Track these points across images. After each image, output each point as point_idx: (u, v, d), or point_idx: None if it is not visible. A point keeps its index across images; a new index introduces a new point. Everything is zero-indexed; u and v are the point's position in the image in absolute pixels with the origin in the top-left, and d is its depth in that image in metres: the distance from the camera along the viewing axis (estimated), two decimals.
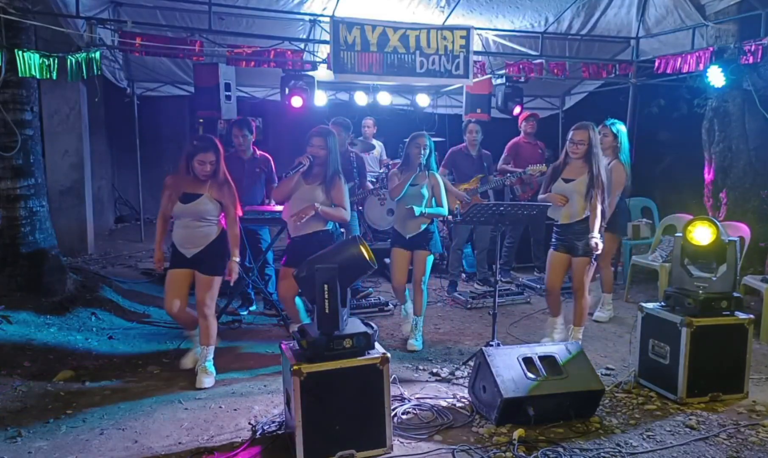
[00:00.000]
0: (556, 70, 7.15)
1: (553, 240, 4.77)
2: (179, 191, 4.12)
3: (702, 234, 3.94)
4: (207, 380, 4.10)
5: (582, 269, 4.61)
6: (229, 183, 4.19)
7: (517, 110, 7.29)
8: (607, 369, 4.45)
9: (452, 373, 4.31)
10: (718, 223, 3.96)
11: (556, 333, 4.86)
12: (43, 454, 3.21)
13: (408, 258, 4.97)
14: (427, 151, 4.87)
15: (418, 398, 3.87)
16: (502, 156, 7.22)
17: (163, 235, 4.30)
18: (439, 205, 4.92)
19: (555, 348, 3.77)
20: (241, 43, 6.14)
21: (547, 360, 3.64)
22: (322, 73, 6.58)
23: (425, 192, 4.84)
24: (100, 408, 3.75)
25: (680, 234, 4.04)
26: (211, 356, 4.22)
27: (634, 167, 5.84)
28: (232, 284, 4.33)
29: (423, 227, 4.86)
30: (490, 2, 6.48)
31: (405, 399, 3.84)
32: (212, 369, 4.20)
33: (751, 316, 3.96)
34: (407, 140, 5.01)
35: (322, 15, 6.20)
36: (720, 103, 7.11)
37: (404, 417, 3.61)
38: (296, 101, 6.27)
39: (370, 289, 6.45)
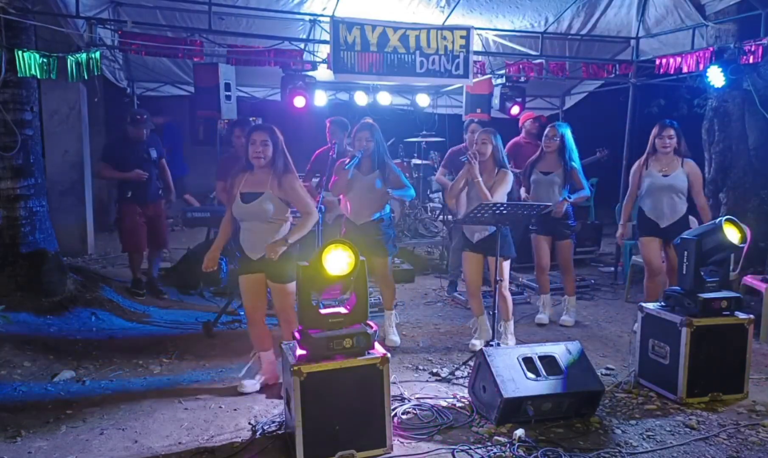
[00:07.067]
0: (556, 70, 7.15)
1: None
2: (236, 188, 3.85)
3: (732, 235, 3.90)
4: None
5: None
6: (287, 173, 3.83)
7: (515, 110, 7.27)
8: (607, 369, 4.45)
9: (452, 373, 4.31)
10: (744, 227, 3.97)
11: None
12: (43, 454, 3.21)
13: (479, 262, 4.71)
14: (488, 148, 4.61)
15: (418, 398, 3.87)
16: None
17: (224, 236, 4.03)
18: None
19: (555, 348, 3.76)
20: (241, 43, 6.15)
21: (547, 360, 3.64)
22: (322, 73, 6.58)
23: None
24: (100, 408, 3.75)
25: (691, 238, 3.98)
26: None
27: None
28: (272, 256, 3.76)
29: (491, 229, 4.42)
30: (490, 2, 6.48)
31: (405, 399, 3.85)
32: None
33: (751, 316, 3.96)
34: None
35: (322, 15, 6.20)
36: (720, 103, 7.11)
37: (404, 417, 3.61)
38: (299, 101, 6.27)
39: (370, 289, 6.43)
